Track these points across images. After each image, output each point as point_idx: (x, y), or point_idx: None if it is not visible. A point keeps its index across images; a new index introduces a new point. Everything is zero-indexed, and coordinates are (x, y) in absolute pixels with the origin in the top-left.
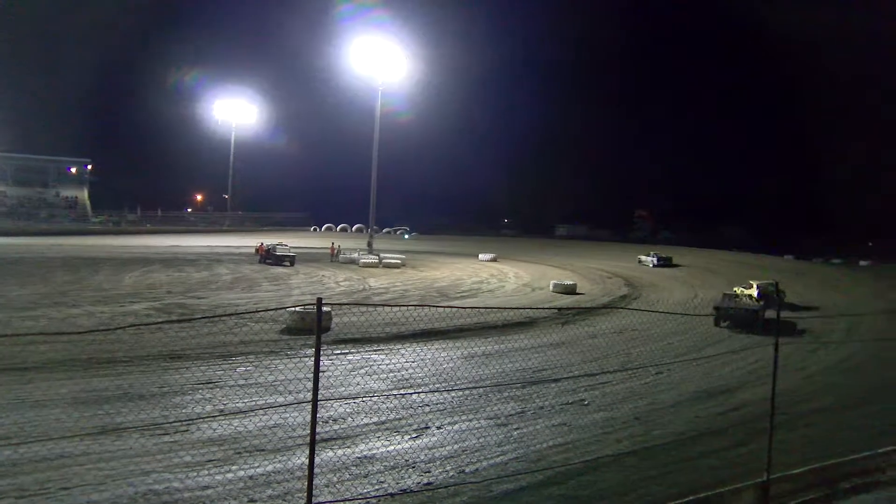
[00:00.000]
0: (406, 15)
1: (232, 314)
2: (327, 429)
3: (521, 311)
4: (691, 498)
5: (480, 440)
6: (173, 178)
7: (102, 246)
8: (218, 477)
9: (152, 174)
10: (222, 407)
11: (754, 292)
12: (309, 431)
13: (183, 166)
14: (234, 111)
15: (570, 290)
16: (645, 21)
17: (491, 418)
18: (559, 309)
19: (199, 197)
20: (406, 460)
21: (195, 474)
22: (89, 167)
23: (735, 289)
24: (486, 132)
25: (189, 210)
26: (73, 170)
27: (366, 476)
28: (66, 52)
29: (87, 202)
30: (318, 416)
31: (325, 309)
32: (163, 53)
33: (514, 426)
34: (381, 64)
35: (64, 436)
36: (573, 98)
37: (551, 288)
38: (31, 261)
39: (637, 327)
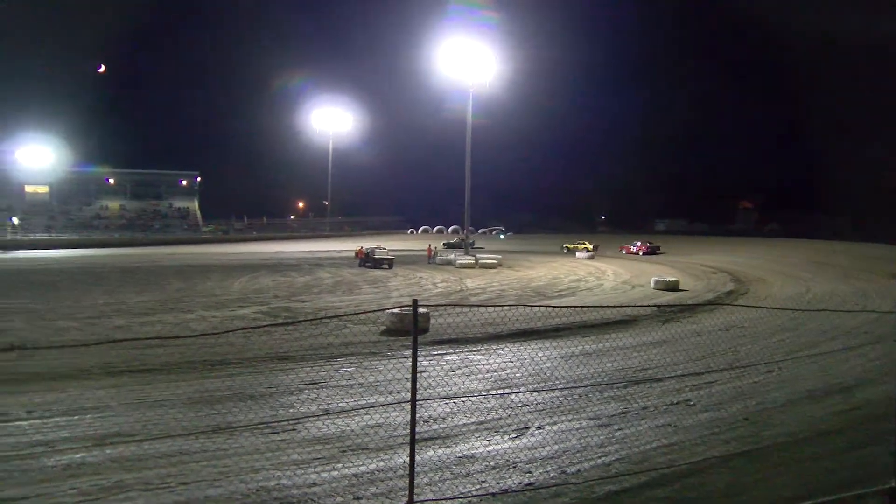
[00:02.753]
0: (495, 14)
1: (334, 316)
2: (427, 428)
3: (621, 308)
4: (808, 503)
5: (582, 441)
6: (277, 186)
7: (212, 253)
8: (324, 475)
9: (257, 184)
10: (327, 406)
11: None
12: (409, 431)
13: (285, 175)
14: (331, 119)
15: (672, 287)
16: (739, 14)
17: (592, 419)
18: (659, 306)
19: (300, 204)
20: (507, 460)
21: (302, 472)
22: (199, 179)
23: None
24: (578, 128)
25: (291, 217)
26: (185, 182)
27: (466, 475)
28: (176, 74)
29: (198, 212)
30: (417, 415)
31: (421, 310)
32: (262, 68)
33: (617, 427)
34: (471, 65)
35: (181, 433)
36: (669, 90)
37: (652, 285)
38: (147, 269)
39: (744, 324)
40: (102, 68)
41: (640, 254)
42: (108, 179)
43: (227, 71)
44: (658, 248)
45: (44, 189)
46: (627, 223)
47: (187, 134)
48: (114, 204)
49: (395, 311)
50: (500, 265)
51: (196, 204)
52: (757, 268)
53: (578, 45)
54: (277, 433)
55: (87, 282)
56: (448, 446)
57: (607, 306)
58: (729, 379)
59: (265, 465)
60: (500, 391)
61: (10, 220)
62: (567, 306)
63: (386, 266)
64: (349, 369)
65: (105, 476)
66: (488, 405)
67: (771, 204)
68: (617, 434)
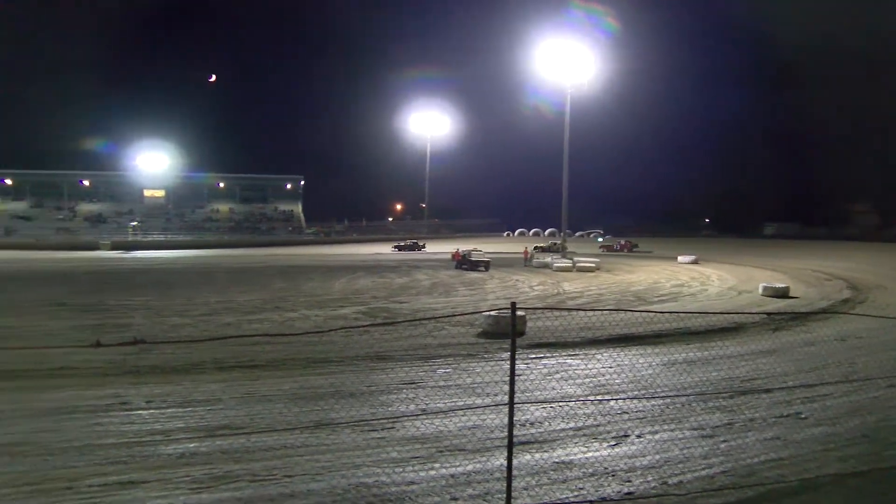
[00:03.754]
0: (593, 14)
1: (431, 318)
2: (524, 432)
3: (726, 315)
4: None
5: (684, 451)
6: (376, 189)
7: (314, 255)
8: (422, 473)
9: (357, 187)
10: (424, 406)
11: None
12: (506, 434)
13: (384, 178)
14: (428, 123)
15: (783, 294)
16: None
17: (695, 429)
18: (769, 314)
19: (398, 207)
20: (605, 468)
21: (401, 470)
22: (303, 183)
23: None
24: (680, 130)
25: (390, 219)
26: (289, 186)
27: (564, 481)
28: (283, 84)
29: (301, 215)
30: (514, 419)
31: (519, 313)
32: (362, 75)
33: (721, 438)
34: (569, 66)
35: (286, 428)
36: (778, 90)
37: (760, 291)
38: (254, 269)
39: (862, 335)
40: (213, 78)
41: (625, 251)
42: (218, 184)
43: (330, 79)
44: (636, 245)
45: (161, 193)
46: (734, 228)
47: (293, 140)
48: (224, 207)
49: (492, 313)
50: (599, 269)
51: (300, 207)
52: (876, 275)
53: (683, 44)
54: (376, 431)
55: (199, 281)
56: (545, 451)
57: (712, 312)
58: (845, 392)
59: (364, 461)
60: (599, 397)
61: (131, 222)
62: (669, 311)
63: (482, 268)
64: (446, 370)
65: (216, 466)
66: (586, 411)
67: (893, 208)
68: (722, 446)
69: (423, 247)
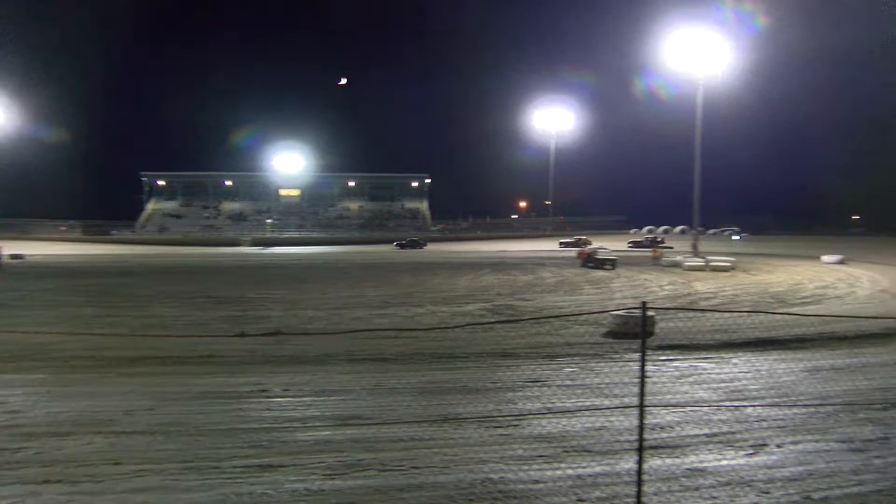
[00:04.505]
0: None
1: (557, 316)
2: (654, 436)
3: (879, 320)
4: None
5: (830, 465)
6: (500, 187)
7: (439, 252)
8: (547, 473)
9: (482, 184)
10: (550, 405)
11: None
12: (635, 437)
13: (508, 176)
14: (553, 119)
15: None
16: None
17: (843, 441)
18: None
19: (522, 204)
20: (741, 477)
21: (526, 468)
22: (428, 181)
23: None
24: (824, 121)
25: (514, 217)
26: (416, 184)
27: (696, 489)
28: (408, 85)
29: (427, 212)
30: (644, 422)
31: (649, 313)
32: (486, 72)
33: (874, 453)
34: (701, 56)
35: (413, 420)
36: None
37: None
38: (382, 266)
39: None
40: (343, 81)
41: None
42: (349, 183)
43: (454, 79)
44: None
45: (295, 192)
46: (889, 226)
47: (419, 139)
48: (354, 205)
49: (620, 312)
50: (734, 268)
51: (425, 205)
52: None
53: (828, 30)
54: (501, 427)
55: (331, 276)
56: (676, 457)
57: (863, 317)
58: None
59: (490, 457)
60: (734, 403)
61: (269, 220)
62: (813, 315)
63: (609, 267)
64: (572, 369)
65: (347, 454)
66: (720, 417)
67: None
68: (875, 462)
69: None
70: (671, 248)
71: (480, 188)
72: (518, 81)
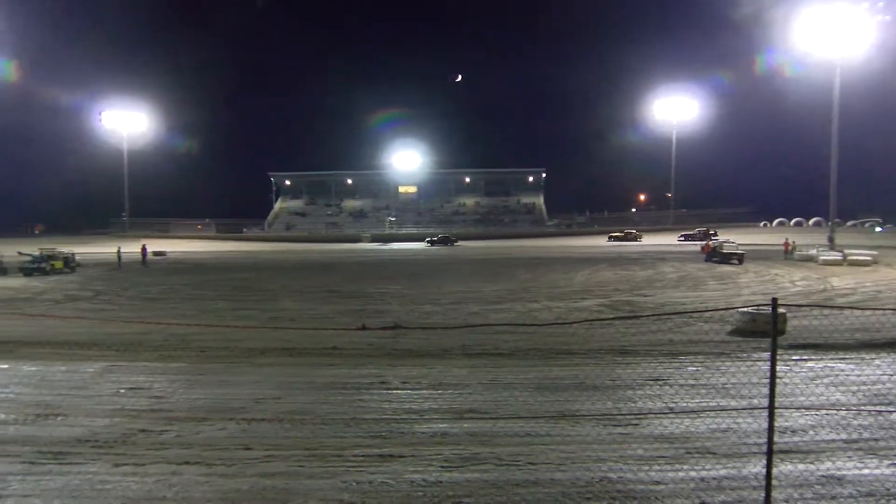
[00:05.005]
0: None
1: (679, 313)
2: (785, 440)
3: None
4: None
5: None
6: (618, 180)
7: (555, 247)
8: (669, 474)
9: (599, 178)
10: (672, 405)
11: None
12: (764, 440)
13: (627, 168)
14: (674, 109)
15: None
16: None
17: None
18: None
19: (641, 197)
20: (885, 489)
21: (647, 468)
22: (545, 175)
23: None
24: None
25: (633, 210)
26: (531, 179)
27: (833, 498)
28: (523, 82)
29: (543, 207)
30: (774, 424)
31: (780, 310)
32: (600, 63)
33: None
34: (838, 36)
35: (529, 416)
36: None
37: None
38: (497, 261)
39: None
40: (459, 78)
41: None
42: (465, 179)
43: (570, 70)
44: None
45: (413, 189)
46: None
47: (535, 134)
48: (469, 200)
49: (747, 309)
50: (876, 262)
51: (541, 199)
52: None
53: None
54: (620, 426)
55: (447, 271)
56: (809, 462)
57: None
58: None
59: (608, 456)
60: (876, 408)
61: (388, 217)
62: None
63: (735, 261)
64: (695, 368)
65: (464, 447)
66: (860, 422)
67: None
68: None
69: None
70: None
71: (598, 182)
72: (637, 70)
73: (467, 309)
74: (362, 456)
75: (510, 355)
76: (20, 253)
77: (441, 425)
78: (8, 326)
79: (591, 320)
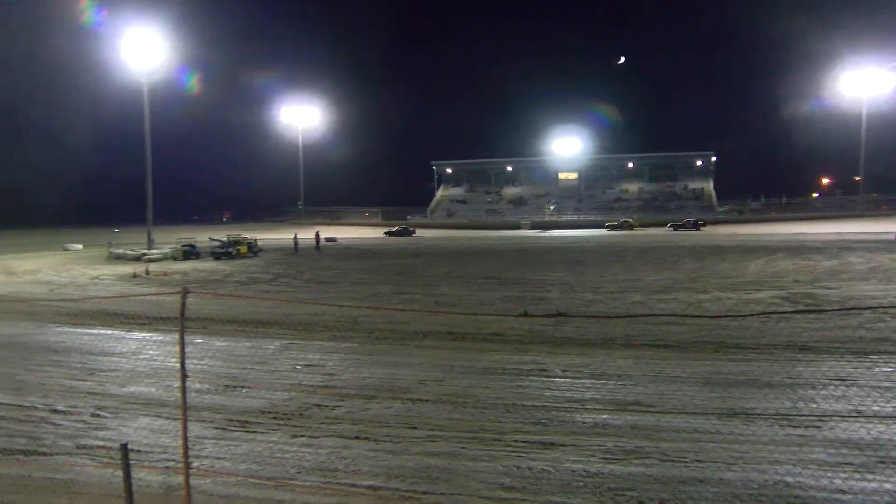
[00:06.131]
0: None
1: (869, 307)
2: None
3: None
4: None
5: None
6: (797, 162)
7: (726, 234)
8: (856, 483)
9: (776, 161)
10: (861, 408)
11: None
12: None
13: (807, 149)
14: (862, 82)
15: None
16: None
17: None
18: None
19: (825, 181)
20: None
21: (830, 475)
22: (715, 159)
23: None
24: None
25: (815, 195)
26: (700, 163)
27: None
28: (689, 59)
29: (712, 192)
30: None
31: None
32: (776, 33)
33: None
34: None
35: (696, 411)
36: None
37: None
38: (662, 249)
39: None
40: (621, 60)
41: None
42: (628, 164)
43: (739, 47)
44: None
45: (573, 176)
46: None
47: (704, 115)
48: (633, 187)
49: None
50: None
51: (710, 184)
52: None
53: None
54: (798, 427)
55: (608, 259)
56: None
57: None
58: None
59: (785, 458)
60: None
61: (548, 203)
62: None
63: None
64: (889, 369)
65: (626, 440)
66: None
67: None
68: None
69: None
70: None
71: (774, 164)
72: (818, 39)
73: (630, 298)
74: (522, 442)
75: (676, 347)
76: (211, 239)
77: (602, 416)
78: (202, 305)
79: (768, 313)
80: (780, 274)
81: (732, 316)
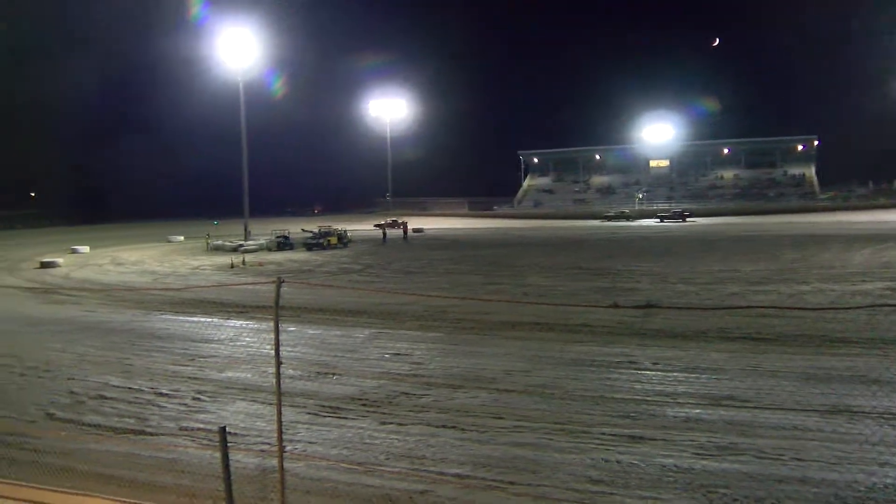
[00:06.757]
0: None
1: None
2: None
3: None
4: None
5: None
6: None
7: (829, 223)
8: None
9: (886, 144)
10: None
11: None
12: None
13: None
14: None
15: None
16: None
17: None
18: None
19: None
20: None
21: None
22: (817, 143)
23: None
24: None
25: None
26: (801, 147)
27: None
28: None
29: (814, 178)
30: None
31: None
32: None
33: None
34: None
35: (795, 408)
36: None
37: None
38: (759, 238)
39: None
40: (716, 42)
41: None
42: (723, 150)
43: (843, 20)
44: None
45: (665, 163)
46: None
47: (805, 97)
48: (728, 173)
49: None
50: None
51: (812, 170)
52: None
53: None
54: None
55: (701, 249)
56: None
57: None
58: None
59: (895, 460)
60: None
61: (638, 192)
62: None
63: None
64: None
65: (720, 435)
66: None
67: None
68: None
69: None
70: None
71: (883, 148)
72: None
73: (725, 289)
74: (610, 435)
75: (774, 340)
76: (303, 230)
77: (695, 411)
78: (295, 294)
79: (876, 306)
80: (891, 264)
81: (836, 308)
